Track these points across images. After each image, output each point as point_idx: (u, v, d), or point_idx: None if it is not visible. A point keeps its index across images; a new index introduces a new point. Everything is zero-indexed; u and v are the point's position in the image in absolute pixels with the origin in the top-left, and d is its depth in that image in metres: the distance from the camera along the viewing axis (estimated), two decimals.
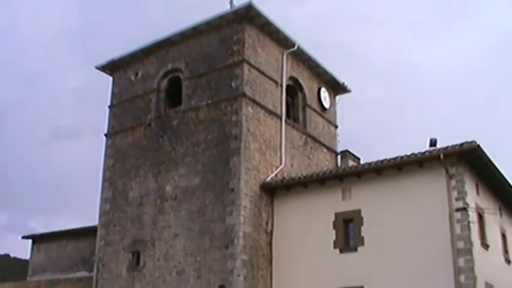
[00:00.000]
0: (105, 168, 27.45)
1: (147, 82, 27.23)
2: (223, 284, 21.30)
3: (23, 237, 35.40)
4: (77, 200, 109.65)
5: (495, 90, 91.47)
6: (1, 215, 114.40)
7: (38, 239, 34.49)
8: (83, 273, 29.90)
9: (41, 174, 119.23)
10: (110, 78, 29.16)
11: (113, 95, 28.70)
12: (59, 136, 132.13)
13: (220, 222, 22.46)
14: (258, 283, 22.39)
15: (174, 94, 26.37)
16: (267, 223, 23.43)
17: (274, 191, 23.86)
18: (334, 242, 22.01)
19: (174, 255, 23.41)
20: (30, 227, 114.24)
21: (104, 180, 27.28)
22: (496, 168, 21.67)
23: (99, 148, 28.21)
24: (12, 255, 70.31)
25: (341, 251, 21.86)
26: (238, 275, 21.57)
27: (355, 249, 21.60)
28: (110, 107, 28.57)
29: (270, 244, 23.34)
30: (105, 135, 28.07)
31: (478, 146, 19.93)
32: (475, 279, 19.22)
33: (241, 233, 21.96)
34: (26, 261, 38.20)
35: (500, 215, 24.19)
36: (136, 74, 27.88)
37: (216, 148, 23.54)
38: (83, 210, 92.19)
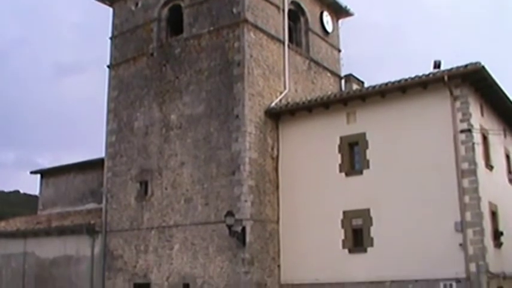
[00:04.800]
0: (109, 99, 27.41)
1: (148, 11, 26.85)
2: (231, 210, 21.55)
3: (31, 173, 35.79)
4: (83, 134, 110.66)
5: (499, 11, 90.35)
6: (9, 152, 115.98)
7: (46, 174, 34.82)
8: (92, 205, 30.33)
9: (47, 110, 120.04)
10: (110, 10, 28.72)
11: (114, 26, 28.32)
12: (63, 71, 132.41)
13: (226, 149, 22.60)
14: (265, 208, 22.71)
15: (175, 22, 26.02)
16: (272, 148, 23.57)
17: (279, 116, 23.88)
18: (340, 165, 22.17)
19: (182, 183, 23.67)
20: (38, 163, 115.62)
21: (108, 111, 27.30)
22: (501, 90, 21.62)
23: (102, 81, 28.16)
24: (21, 191, 71.38)
25: (347, 175, 22.05)
26: (246, 201, 21.86)
27: (360, 173, 21.78)
28: (111, 38, 28.26)
29: (276, 169, 23.53)
30: (108, 66, 27.91)
31: (483, 67, 19.78)
32: (479, 199, 19.48)
33: (247, 159, 22.12)
34: (35, 197, 38.63)
35: (505, 136, 24.27)
36: (137, 4, 27.45)
37: (219, 75, 23.42)
38: (90, 143, 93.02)
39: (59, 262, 27.87)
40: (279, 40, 24.97)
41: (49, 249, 28.48)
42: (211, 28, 24.18)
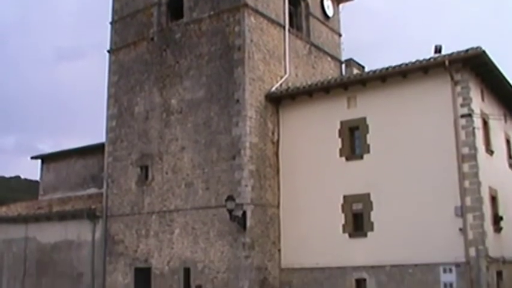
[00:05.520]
0: (110, 84, 27.35)
1: None
2: (231, 194, 21.57)
3: (32, 158, 35.79)
4: (84, 119, 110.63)
5: None
6: (9, 138, 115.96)
7: (47, 159, 34.85)
8: (93, 190, 30.40)
9: (46, 95, 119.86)
10: None
11: (114, 10, 28.20)
12: (62, 56, 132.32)
13: (226, 133, 22.60)
14: (266, 192, 22.75)
15: (175, 7, 25.88)
16: (273, 133, 23.58)
17: (279, 100, 23.87)
18: (340, 150, 22.17)
19: (182, 168, 23.69)
20: (39, 149, 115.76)
21: (109, 96, 27.26)
22: (501, 74, 21.58)
23: (103, 66, 28.11)
24: (22, 176, 71.45)
25: (347, 159, 22.05)
26: (246, 185, 21.89)
27: (361, 157, 21.78)
28: (111, 23, 28.16)
29: (277, 154, 23.56)
30: (108, 51, 27.83)
31: (484, 51, 19.75)
32: (479, 184, 19.51)
33: (247, 144, 22.14)
34: (36, 182, 38.71)
35: (505, 121, 24.28)
36: None
37: (219, 60, 23.37)
38: (90, 129, 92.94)
39: (60, 247, 27.95)
40: (279, 24, 24.91)
41: (50, 234, 28.55)
42: (212, 12, 24.08)
